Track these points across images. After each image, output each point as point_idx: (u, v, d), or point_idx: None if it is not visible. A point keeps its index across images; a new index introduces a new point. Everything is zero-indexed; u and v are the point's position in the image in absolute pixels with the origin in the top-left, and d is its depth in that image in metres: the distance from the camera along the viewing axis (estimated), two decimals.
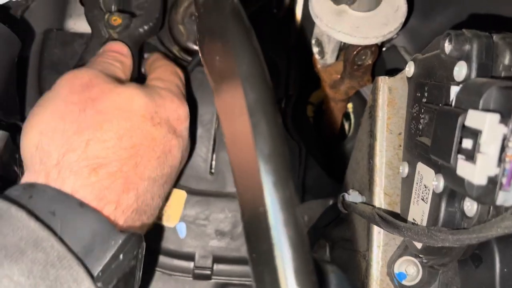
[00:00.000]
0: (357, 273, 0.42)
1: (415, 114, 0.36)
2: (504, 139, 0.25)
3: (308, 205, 0.53)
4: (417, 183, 0.35)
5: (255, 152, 0.23)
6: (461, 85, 0.29)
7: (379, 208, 0.39)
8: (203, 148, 0.52)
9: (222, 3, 0.31)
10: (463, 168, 0.27)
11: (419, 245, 0.34)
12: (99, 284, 0.31)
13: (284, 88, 0.58)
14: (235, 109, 0.26)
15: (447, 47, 0.31)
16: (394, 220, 0.33)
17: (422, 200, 0.34)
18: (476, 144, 0.25)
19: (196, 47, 0.53)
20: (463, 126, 0.27)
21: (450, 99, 0.30)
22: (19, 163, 0.40)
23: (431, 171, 0.32)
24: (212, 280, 0.50)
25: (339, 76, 0.54)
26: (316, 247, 0.53)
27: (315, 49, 0.55)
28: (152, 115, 0.40)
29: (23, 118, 0.50)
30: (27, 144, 0.37)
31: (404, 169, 0.37)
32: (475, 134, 0.26)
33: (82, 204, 0.34)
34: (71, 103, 0.38)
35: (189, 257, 0.50)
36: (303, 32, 0.59)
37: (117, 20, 0.47)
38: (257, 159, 0.23)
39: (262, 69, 0.27)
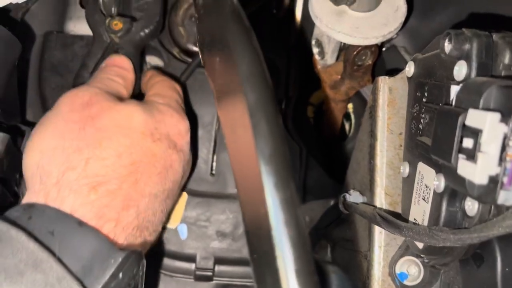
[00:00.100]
0: (358, 274, 0.42)
1: (415, 114, 0.36)
2: (505, 138, 0.25)
3: (310, 205, 0.53)
4: (418, 183, 0.35)
5: (256, 153, 0.23)
6: (461, 85, 0.29)
7: (380, 208, 0.39)
8: (203, 149, 0.52)
9: (222, 4, 0.31)
10: (464, 168, 0.27)
11: (420, 245, 0.34)
12: None
13: (284, 89, 0.58)
14: (236, 110, 0.26)
15: (447, 46, 0.31)
16: (395, 220, 0.33)
17: (423, 200, 0.34)
18: (476, 144, 0.25)
19: (196, 49, 0.53)
20: (464, 125, 0.27)
21: (451, 99, 0.30)
22: (20, 182, 0.40)
23: (432, 171, 0.32)
24: (214, 282, 0.50)
25: (339, 77, 0.54)
26: (317, 248, 0.53)
27: (315, 50, 0.55)
28: (152, 131, 0.40)
29: (24, 120, 0.50)
30: (28, 163, 0.38)
31: (405, 169, 0.37)
32: (475, 133, 0.26)
33: (81, 223, 0.34)
34: (71, 122, 0.38)
35: (191, 258, 0.50)
36: (303, 33, 0.59)
37: (118, 24, 0.47)
38: (258, 160, 0.23)
39: (263, 70, 0.27)
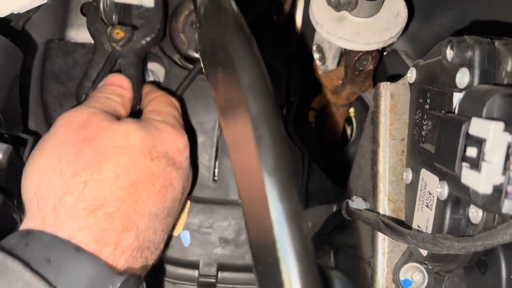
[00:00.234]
0: (362, 280, 0.42)
1: (417, 120, 0.36)
2: (509, 147, 0.25)
3: (312, 211, 0.52)
4: (421, 190, 0.35)
5: (260, 165, 0.23)
6: (463, 92, 0.29)
7: (383, 215, 0.39)
8: (205, 155, 0.52)
9: (223, 14, 0.31)
10: (468, 177, 0.27)
11: (424, 252, 0.34)
12: None
13: (285, 95, 0.58)
14: (239, 122, 0.26)
15: (449, 53, 0.30)
16: (399, 227, 0.33)
17: (427, 206, 0.34)
18: (480, 153, 0.25)
19: (197, 55, 0.53)
20: (467, 134, 0.27)
21: (453, 106, 0.30)
22: (18, 206, 0.40)
23: (435, 178, 0.32)
24: None
25: (340, 82, 0.54)
26: (320, 253, 0.53)
27: (316, 55, 0.55)
28: (150, 149, 0.40)
29: (26, 130, 0.50)
30: (26, 188, 0.38)
31: (408, 176, 0.37)
32: (479, 142, 0.26)
33: (78, 249, 0.34)
34: (68, 144, 0.38)
35: (194, 265, 0.50)
36: (303, 38, 0.59)
37: (119, 33, 0.47)
38: (262, 172, 0.23)
39: (264, 79, 0.27)
